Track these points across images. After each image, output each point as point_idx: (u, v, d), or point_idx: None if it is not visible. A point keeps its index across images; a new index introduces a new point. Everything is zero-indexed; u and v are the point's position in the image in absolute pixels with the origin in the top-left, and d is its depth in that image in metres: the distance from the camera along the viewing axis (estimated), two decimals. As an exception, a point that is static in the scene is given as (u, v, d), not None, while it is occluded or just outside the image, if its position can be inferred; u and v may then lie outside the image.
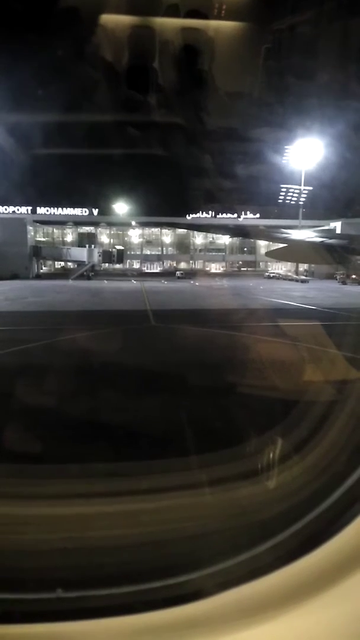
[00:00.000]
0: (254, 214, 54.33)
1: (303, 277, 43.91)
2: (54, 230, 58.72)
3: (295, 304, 22.81)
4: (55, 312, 20.36)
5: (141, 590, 1.12)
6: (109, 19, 10.69)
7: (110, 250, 52.26)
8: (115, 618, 1.02)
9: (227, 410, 6.07)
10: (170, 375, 8.19)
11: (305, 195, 44.94)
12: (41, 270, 52.65)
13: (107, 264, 51.77)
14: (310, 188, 44.77)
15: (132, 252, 59.42)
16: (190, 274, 50.03)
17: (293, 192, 45.16)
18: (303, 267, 48.48)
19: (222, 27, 9.75)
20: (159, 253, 61.31)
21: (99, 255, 49.22)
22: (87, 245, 50.22)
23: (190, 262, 61.28)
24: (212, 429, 5.25)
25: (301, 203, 45.21)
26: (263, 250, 54.32)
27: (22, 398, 6.48)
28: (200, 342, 12.40)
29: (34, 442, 4.46)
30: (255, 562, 1.13)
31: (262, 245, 55.75)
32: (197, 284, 41.12)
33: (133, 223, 57.21)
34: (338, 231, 47.77)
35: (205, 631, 1.00)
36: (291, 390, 6.26)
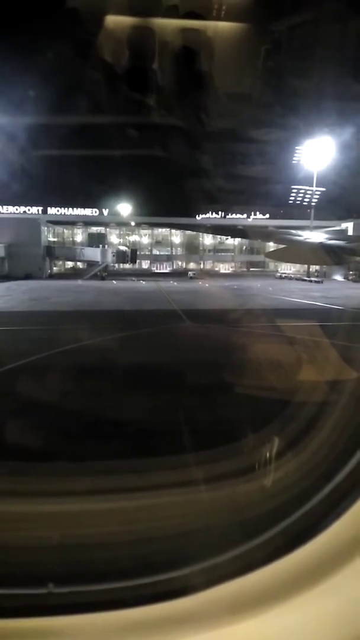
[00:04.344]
0: (264, 215, 53.96)
1: (315, 278, 43.40)
2: (64, 230, 59.17)
3: (320, 304, 22.56)
4: (86, 311, 20.19)
5: (134, 585, 1.11)
6: (108, 20, 10.76)
7: (123, 250, 52.45)
8: (108, 613, 1.01)
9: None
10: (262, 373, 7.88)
11: (317, 196, 44.50)
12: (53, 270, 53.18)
13: (118, 265, 51.96)
14: (323, 189, 44.32)
15: (142, 253, 59.59)
16: (200, 274, 50.02)
17: (305, 193, 44.75)
18: (314, 267, 47.91)
19: (222, 28, 9.73)
20: (169, 253, 61.31)
21: (113, 256, 49.39)
22: (99, 246, 50.39)
23: (200, 262, 61.21)
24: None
25: (313, 204, 44.78)
26: (272, 251, 53.89)
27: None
28: (256, 343, 11.74)
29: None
30: (249, 556, 1.13)
31: (271, 246, 55.24)
32: (209, 284, 40.65)
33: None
34: (350, 232, 47.17)
35: (200, 625, 0.99)
36: None
